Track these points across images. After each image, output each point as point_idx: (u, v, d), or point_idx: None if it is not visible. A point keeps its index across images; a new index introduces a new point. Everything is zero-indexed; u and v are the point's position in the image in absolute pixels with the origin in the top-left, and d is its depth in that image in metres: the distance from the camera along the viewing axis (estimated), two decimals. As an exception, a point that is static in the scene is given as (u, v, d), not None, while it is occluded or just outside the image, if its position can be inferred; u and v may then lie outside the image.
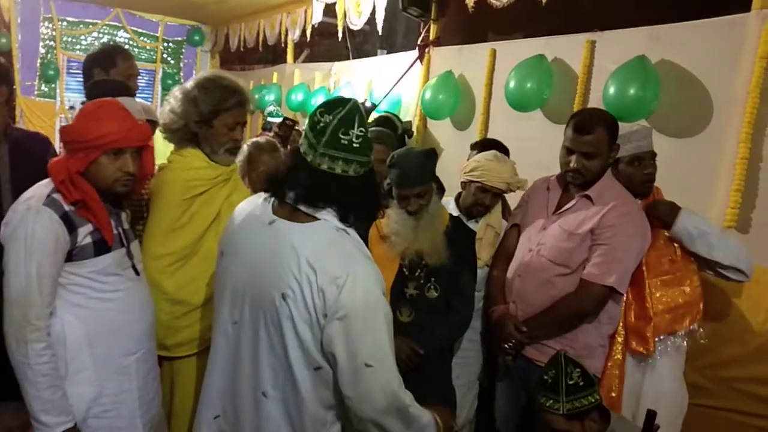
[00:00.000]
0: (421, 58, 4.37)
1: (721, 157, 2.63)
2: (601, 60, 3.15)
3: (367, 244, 1.52)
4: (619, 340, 2.22)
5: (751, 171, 2.53)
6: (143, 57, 7.24)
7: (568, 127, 2.15)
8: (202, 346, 2.05)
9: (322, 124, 1.39)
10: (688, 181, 2.64)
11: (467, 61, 4.01)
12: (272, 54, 7.17)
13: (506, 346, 2.20)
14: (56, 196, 1.67)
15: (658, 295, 2.18)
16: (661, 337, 2.18)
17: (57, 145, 3.15)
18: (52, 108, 6.86)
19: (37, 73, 6.73)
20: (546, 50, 3.36)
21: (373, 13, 4.46)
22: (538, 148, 3.07)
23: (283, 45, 6.19)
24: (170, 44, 7.50)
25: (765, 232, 2.52)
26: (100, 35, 7.02)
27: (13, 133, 2.28)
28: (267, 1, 5.70)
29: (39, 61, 6.72)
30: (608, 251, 2.08)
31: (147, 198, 2.20)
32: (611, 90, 2.81)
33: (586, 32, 3.21)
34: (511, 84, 3.35)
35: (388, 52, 5.60)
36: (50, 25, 6.74)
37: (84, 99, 2.70)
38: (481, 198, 2.56)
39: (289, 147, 3.47)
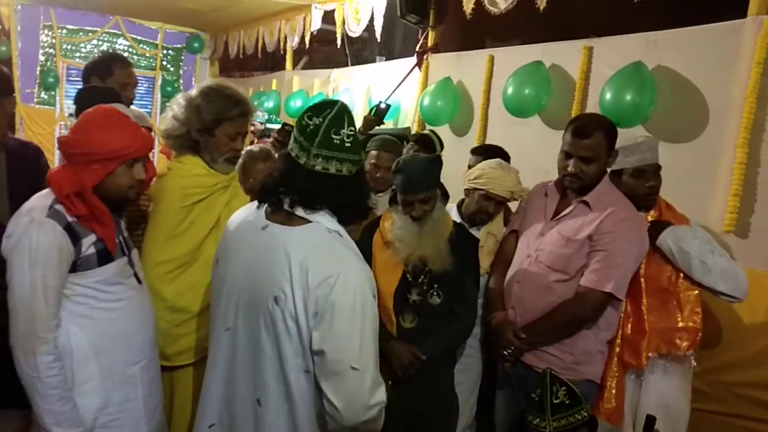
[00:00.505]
0: (419, 64, 4.39)
1: (718, 163, 2.64)
2: (599, 66, 3.17)
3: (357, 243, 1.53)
4: (617, 350, 2.23)
5: (749, 176, 2.54)
6: (143, 64, 7.25)
7: (567, 131, 2.16)
8: (201, 354, 2.04)
9: (312, 127, 1.41)
10: (686, 186, 2.64)
11: (465, 67, 4.03)
12: (271, 61, 7.19)
13: (505, 353, 2.20)
14: (59, 207, 1.65)
15: (656, 314, 2.19)
16: (656, 355, 2.19)
17: (56, 155, 3.16)
18: (52, 115, 6.87)
19: (37, 81, 6.74)
20: (544, 56, 3.38)
21: (372, 20, 4.48)
22: (536, 153, 3.08)
23: (282, 52, 6.21)
24: (169, 51, 7.52)
25: (763, 237, 2.53)
26: (100, 43, 7.05)
27: (9, 142, 2.29)
28: (266, 9, 5.72)
29: (39, 68, 6.74)
30: (606, 257, 2.08)
31: (147, 204, 2.20)
32: (608, 96, 2.83)
33: (584, 38, 3.24)
34: (509, 90, 3.37)
35: (387, 59, 5.60)
36: (50, 33, 6.76)
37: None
38: (485, 206, 2.56)
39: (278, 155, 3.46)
